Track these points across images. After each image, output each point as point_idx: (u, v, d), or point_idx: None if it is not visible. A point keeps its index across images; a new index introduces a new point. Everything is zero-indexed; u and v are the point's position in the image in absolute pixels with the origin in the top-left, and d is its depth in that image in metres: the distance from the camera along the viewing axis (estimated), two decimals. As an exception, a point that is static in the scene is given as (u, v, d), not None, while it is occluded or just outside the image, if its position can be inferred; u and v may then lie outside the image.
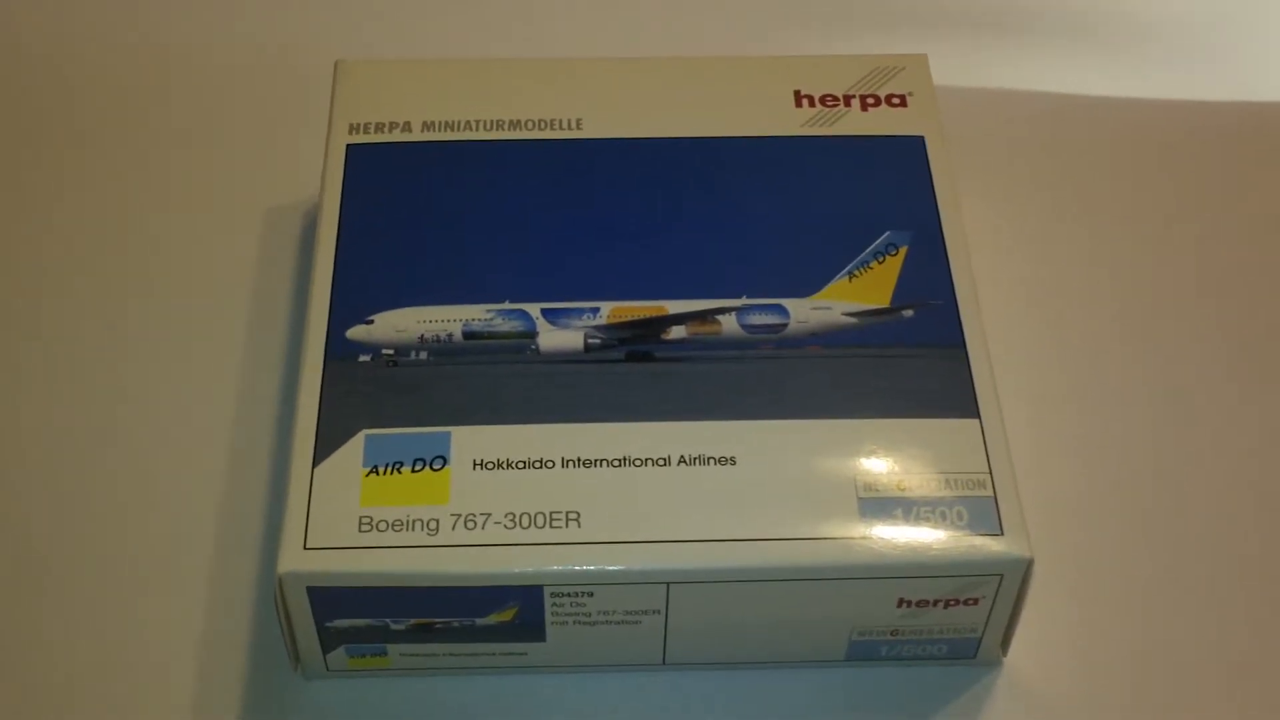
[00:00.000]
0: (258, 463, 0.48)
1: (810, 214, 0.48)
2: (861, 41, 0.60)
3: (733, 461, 0.43)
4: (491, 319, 0.46)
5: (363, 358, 0.45)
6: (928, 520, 0.42)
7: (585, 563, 0.41)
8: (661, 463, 0.43)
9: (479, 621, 0.42)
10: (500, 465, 0.43)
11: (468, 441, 0.43)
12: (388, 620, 0.42)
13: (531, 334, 0.46)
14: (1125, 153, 0.58)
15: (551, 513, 0.42)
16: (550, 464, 0.43)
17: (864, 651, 0.44)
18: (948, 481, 0.43)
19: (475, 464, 0.43)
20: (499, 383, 0.44)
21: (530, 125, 0.50)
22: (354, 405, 0.44)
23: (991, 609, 0.43)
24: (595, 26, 0.61)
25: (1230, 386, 0.51)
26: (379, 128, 0.50)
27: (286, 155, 0.56)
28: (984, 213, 0.54)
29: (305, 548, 0.41)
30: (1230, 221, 0.56)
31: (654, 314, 0.46)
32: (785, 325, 0.46)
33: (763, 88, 0.51)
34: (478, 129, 0.50)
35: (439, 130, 0.50)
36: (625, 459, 0.43)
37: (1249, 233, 0.55)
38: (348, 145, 0.50)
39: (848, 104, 0.51)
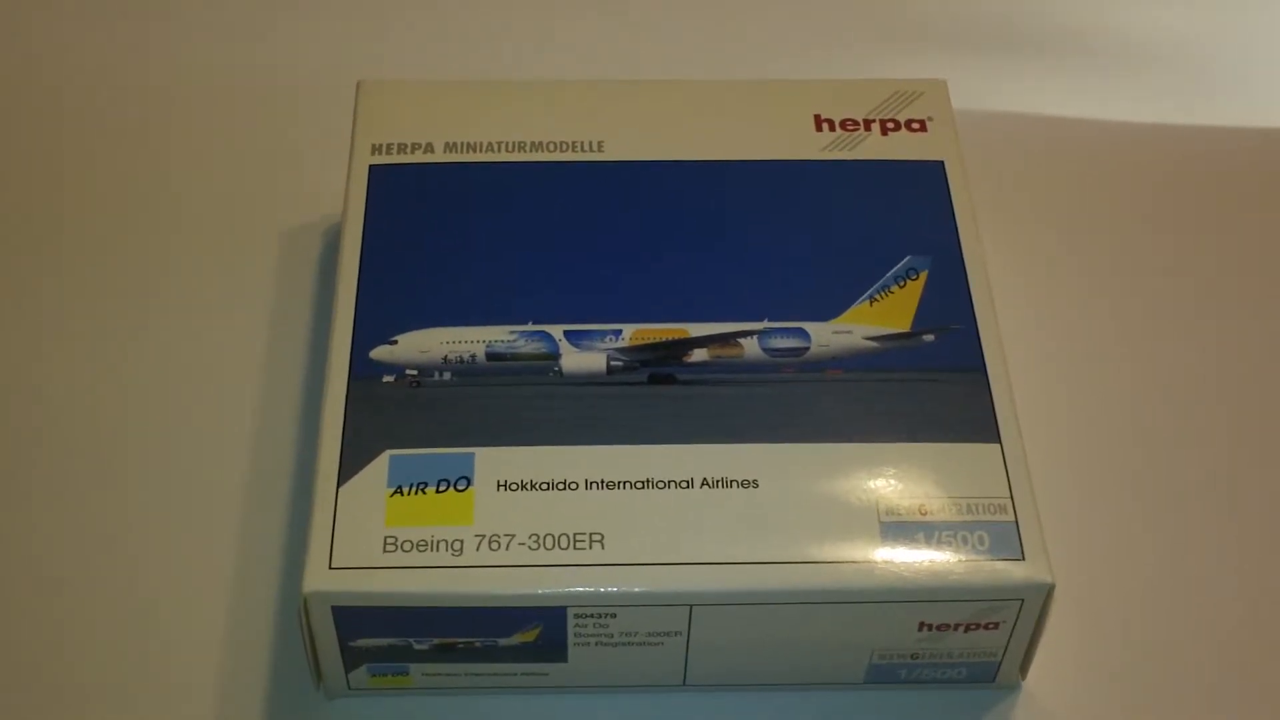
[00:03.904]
0: (280, 482, 0.48)
1: (831, 238, 0.48)
2: (881, 66, 0.60)
3: (755, 484, 0.43)
4: (514, 340, 0.46)
5: (386, 378, 0.45)
6: (949, 544, 0.42)
7: (609, 584, 0.41)
8: (684, 485, 0.43)
9: (502, 642, 0.43)
10: (524, 486, 0.43)
11: (491, 462, 0.43)
12: (411, 640, 0.43)
13: (554, 355, 0.46)
14: (1145, 177, 0.58)
15: (575, 534, 0.42)
16: (574, 485, 0.43)
17: (884, 674, 0.44)
18: (969, 506, 0.43)
19: (499, 485, 0.43)
20: (522, 404, 0.45)
21: (552, 147, 0.50)
22: (378, 425, 0.44)
23: (1011, 633, 0.43)
24: (617, 49, 0.61)
25: (1253, 410, 0.51)
26: (401, 148, 0.50)
27: (306, 175, 0.56)
28: (1004, 237, 0.54)
29: (330, 567, 0.41)
30: (1252, 246, 0.56)
31: (676, 336, 0.46)
32: (806, 349, 0.46)
33: (783, 111, 0.51)
34: (499, 150, 0.50)
35: (461, 151, 0.50)
36: (648, 481, 0.43)
37: (1271, 257, 0.55)
38: (370, 166, 0.50)
39: (868, 128, 0.51)
